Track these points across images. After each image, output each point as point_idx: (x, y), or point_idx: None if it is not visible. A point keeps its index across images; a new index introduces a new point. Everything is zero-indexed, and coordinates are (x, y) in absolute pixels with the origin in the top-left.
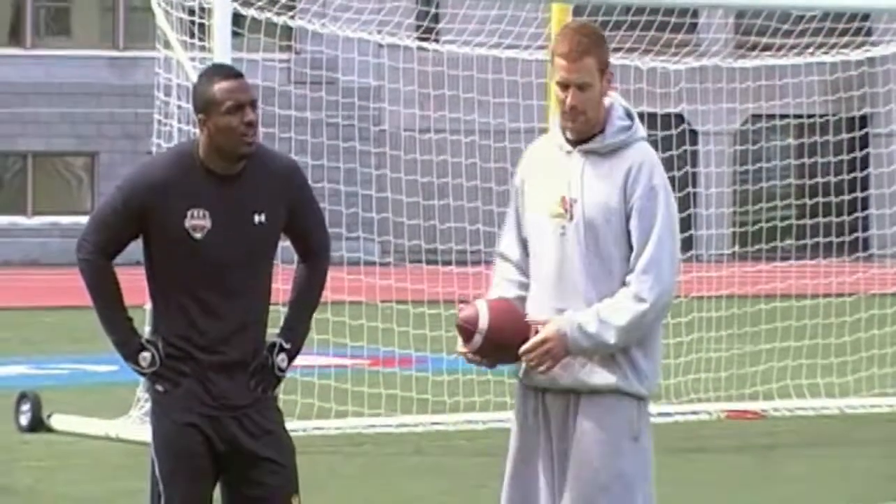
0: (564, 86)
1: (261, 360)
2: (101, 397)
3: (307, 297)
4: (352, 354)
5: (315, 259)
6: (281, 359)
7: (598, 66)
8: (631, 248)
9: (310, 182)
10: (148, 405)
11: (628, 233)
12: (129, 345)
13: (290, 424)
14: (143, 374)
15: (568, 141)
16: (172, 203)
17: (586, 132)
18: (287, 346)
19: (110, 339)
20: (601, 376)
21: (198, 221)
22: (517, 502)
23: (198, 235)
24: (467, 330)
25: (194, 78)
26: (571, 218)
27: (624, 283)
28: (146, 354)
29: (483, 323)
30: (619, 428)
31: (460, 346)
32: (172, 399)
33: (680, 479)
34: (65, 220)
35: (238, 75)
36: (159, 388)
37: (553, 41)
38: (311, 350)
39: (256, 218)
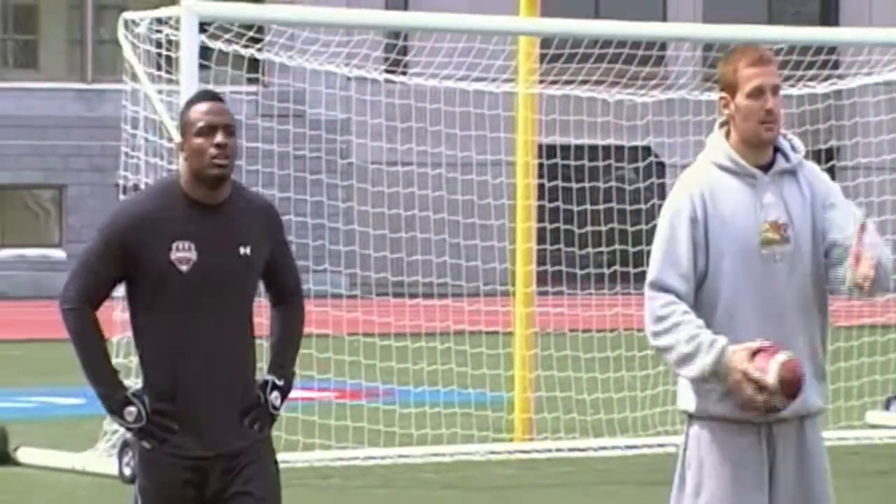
0: (759, 92)
1: (254, 399)
2: (67, 430)
3: (292, 335)
4: (319, 387)
5: (293, 298)
6: (275, 396)
7: (777, 74)
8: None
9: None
10: (115, 437)
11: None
12: (114, 398)
13: None
14: (129, 430)
15: (754, 166)
16: (155, 236)
17: (767, 152)
18: (280, 383)
19: (94, 390)
20: (823, 398)
21: (183, 254)
22: None
23: (184, 268)
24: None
25: (161, 110)
26: (787, 241)
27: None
28: (132, 409)
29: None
30: (825, 450)
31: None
32: (160, 455)
33: None
34: (32, 252)
35: (215, 98)
36: (146, 444)
37: (726, 63)
38: None
39: (242, 250)
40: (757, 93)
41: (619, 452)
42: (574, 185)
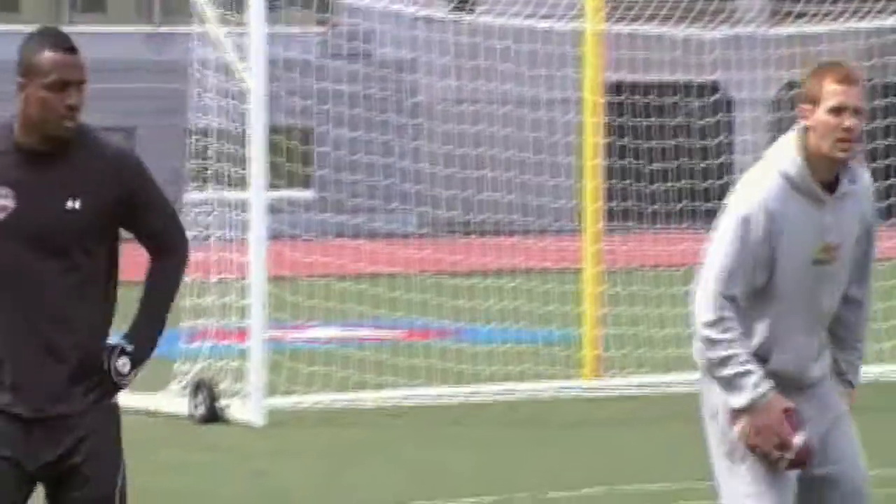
0: (840, 110)
1: (96, 364)
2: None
3: (154, 297)
4: (389, 326)
5: (162, 255)
6: (122, 363)
7: (862, 97)
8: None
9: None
10: (186, 378)
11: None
12: None
13: (328, 396)
14: None
15: (820, 181)
16: None
17: (835, 170)
18: (129, 348)
19: None
20: (821, 371)
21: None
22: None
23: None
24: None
25: (230, 52)
26: (835, 261)
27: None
28: None
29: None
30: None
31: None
32: None
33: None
34: None
35: (73, 50)
36: None
37: (813, 75)
38: (348, 322)
39: (69, 203)
40: (838, 110)
41: (689, 388)
42: (642, 122)
